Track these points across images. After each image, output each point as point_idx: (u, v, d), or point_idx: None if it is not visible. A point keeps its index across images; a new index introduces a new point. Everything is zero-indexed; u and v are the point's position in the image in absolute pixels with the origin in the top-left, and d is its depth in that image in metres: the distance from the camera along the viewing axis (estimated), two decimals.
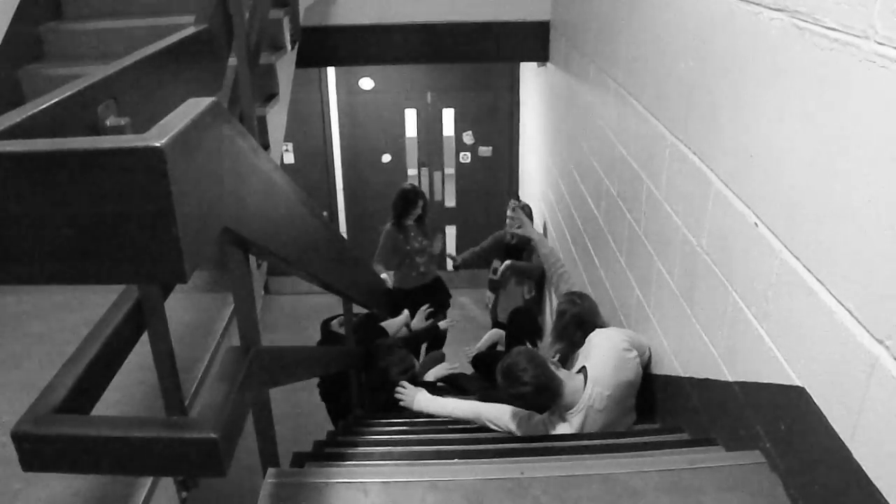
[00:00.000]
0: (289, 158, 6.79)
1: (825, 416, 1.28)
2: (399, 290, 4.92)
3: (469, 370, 3.88)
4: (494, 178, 7.07)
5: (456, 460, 1.80)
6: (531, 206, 4.98)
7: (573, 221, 3.85)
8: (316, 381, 3.28)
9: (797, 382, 1.39)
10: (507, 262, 4.78)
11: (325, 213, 4.50)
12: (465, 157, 7.03)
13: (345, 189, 7.16)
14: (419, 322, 3.91)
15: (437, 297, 4.87)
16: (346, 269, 2.52)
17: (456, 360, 4.16)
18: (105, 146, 0.70)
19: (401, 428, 2.79)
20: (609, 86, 2.87)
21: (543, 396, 2.19)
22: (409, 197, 4.78)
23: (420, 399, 2.64)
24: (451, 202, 7.15)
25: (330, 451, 2.09)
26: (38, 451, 0.95)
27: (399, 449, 2.16)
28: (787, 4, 1.36)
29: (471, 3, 4.29)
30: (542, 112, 5.29)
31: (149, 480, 1.37)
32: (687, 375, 2.05)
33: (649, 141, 2.33)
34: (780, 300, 1.45)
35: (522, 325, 4.19)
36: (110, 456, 0.96)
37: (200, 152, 0.79)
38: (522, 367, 2.16)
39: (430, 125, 6.96)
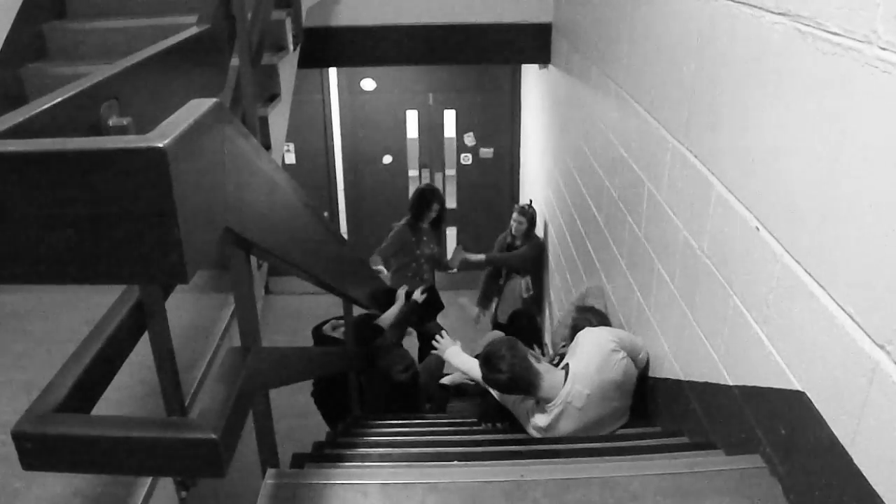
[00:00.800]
0: (290, 159, 6.80)
1: (825, 421, 1.28)
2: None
3: None
4: (495, 179, 7.07)
5: (455, 462, 1.80)
6: (534, 207, 4.98)
7: (574, 224, 3.85)
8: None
9: (797, 387, 1.39)
10: (486, 254, 4.89)
11: (325, 214, 4.51)
12: (467, 158, 7.04)
13: (346, 190, 7.16)
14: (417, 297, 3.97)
15: (433, 305, 4.75)
16: (346, 270, 2.53)
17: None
18: (107, 146, 0.70)
19: (400, 429, 2.79)
20: (610, 88, 2.87)
21: (518, 386, 2.26)
22: (426, 197, 4.59)
23: (452, 350, 2.82)
24: (451, 203, 7.15)
25: (329, 453, 2.10)
26: (38, 451, 0.95)
27: (398, 450, 2.16)
28: (790, 8, 1.36)
29: (473, 4, 4.30)
30: (544, 114, 5.29)
31: (148, 480, 1.37)
32: (687, 379, 2.05)
33: (650, 143, 2.33)
34: (781, 304, 1.45)
35: (522, 327, 4.20)
36: (110, 456, 0.96)
37: (202, 153, 0.79)
38: (500, 354, 2.25)
39: (431, 126, 6.96)
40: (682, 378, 2.08)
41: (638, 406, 2.46)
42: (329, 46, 4.34)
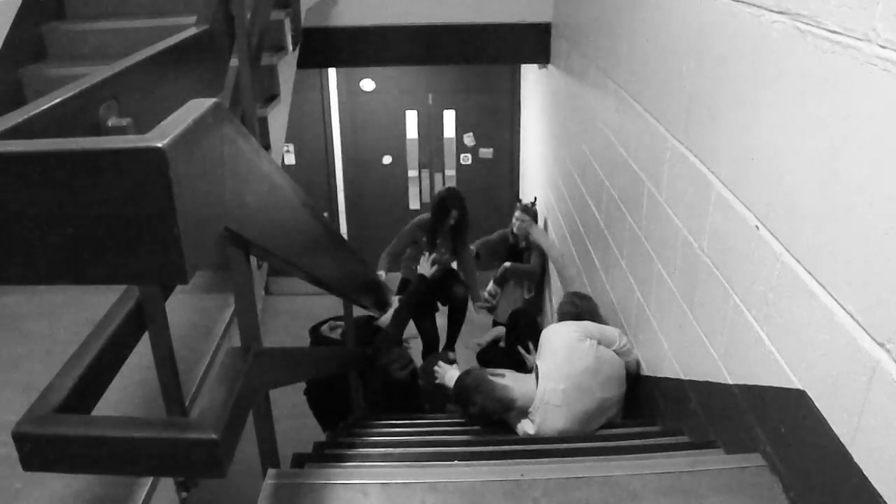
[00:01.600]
0: (290, 159, 6.80)
1: (826, 420, 1.28)
2: (405, 282, 4.57)
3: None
4: (495, 179, 7.07)
5: (455, 462, 1.80)
6: (536, 207, 4.98)
7: (574, 223, 3.85)
8: None
9: (798, 385, 1.39)
10: (507, 264, 4.78)
11: (325, 214, 4.49)
12: (466, 158, 7.04)
13: (345, 190, 7.16)
14: (425, 268, 3.94)
15: (444, 290, 4.55)
16: (346, 271, 2.52)
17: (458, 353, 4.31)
18: (107, 147, 0.70)
19: (401, 429, 2.79)
20: (610, 87, 2.87)
21: (493, 411, 2.32)
22: (444, 203, 4.31)
23: (450, 375, 2.87)
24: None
25: (330, 453, 2.09)
26: (38, 451, 0.95)
27: (399, 450, 2.16)
28: (789, 7, 1.37)
29: (472, 4, 4.30)
30: (543, 114, 5.29)
31: (149, 481, 1.37)
32: (687, 378, 2.05)
33: (650, 143, 2.33)
34: (781, 303, 1.45)
35: (521, 326, 4.20)
36: (111, 456, 0.96)
37: (202, 153, 0.79)
38: (465, 388, 2.35)
39: (430, 127, 6.96)
40: (683, 377, 2.08)
41: (637, 404, 2.46)
42: (328, 47, 4.34)
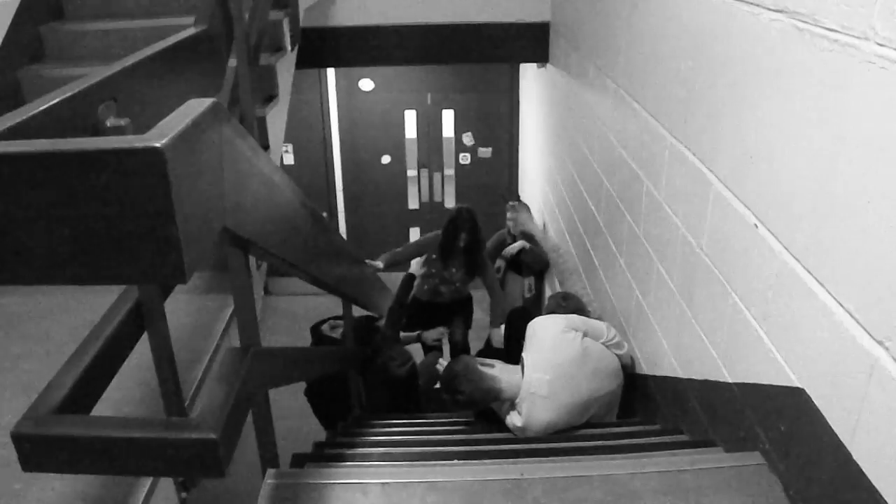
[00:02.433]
0: (289, 159, 6.79)
1: (825, 418, 1.28)
2: (414, 299, 4.38)
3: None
4: (494, 179, 7.07)
5: (455, 461, 1.80)
6: (530, 205, 4.98)
7: (573, 222, 3.85)
8: None
9: (797, 384, 1.39)
10: (524, 243, 4.74)
11: (324, 214, 4.48)
12: (465, 158, 7.04)
13: (344, 190, 7.16)
14: (415, 268, 3.95)
15: (456, 314, 4.43)
16: (345, 271, 2.52)
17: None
18: (105, 147, 0.70)
19: (400, 429, 2.79)
20: (608, 87, 2.87)
21: (482, 398, 2.35)
22: (454, 223, 4.06)
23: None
24: (450, 203, 7.15)
25: (329, 452, 2.09)
26: (38, 452, 0.95)
27: (398, 450, 2.16)
28: (788, 5, 1.37)
29: (471, 4, 4.29)
30: (542, 113, 5.29)
31: (148, 481, 1.37)
32: (686, 376, 2.05)
33: (649, 142, 2.33)
34: (780, 301, 1.45)
35: (520, 325, 4.19)
36: (110, 456, 0.96)
37: (200, 153, 0.79)
38: (454, 375, 2.36)
39: (429, 126, 6.96)
40: (682, 376, 2.08)
41: (637, 403, 2.46)
42: (327, 47, 4.34)
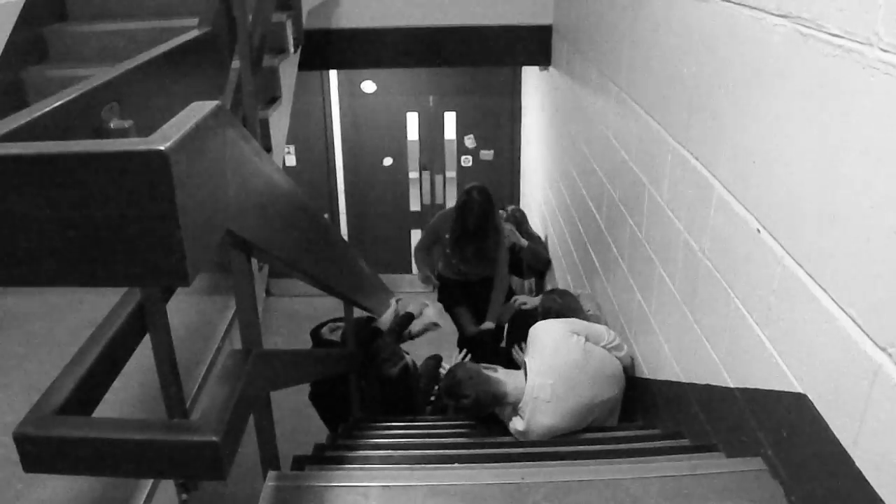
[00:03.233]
0: (291, 161, 6.80)
1: (827, 424, 1.28)
2: (442, 277, 4.22)
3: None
4: (496, 181, 7.06)
5: (456, 465, 1.80)
6: (528, 209, 4.96)
7: (575, 226, 3.85)
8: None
9: (799, 389, 1.38)
10: (524, 242, 4.66)
11: (326, 216, 4.46)
12: (467, 160, 7.04)
13: (346, 192, 7.16)
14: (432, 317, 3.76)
15: (483, 298, 4.09)
16: (347, 272, 2.52)
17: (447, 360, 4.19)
18: (109, 149, 0.70)
19: (401, 432, 2.79)
20: (611, 90, 2.87)
21: (487, 403, 2.35)
22: (461, 210, 3.78)
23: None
24: (452, 205, 7.16)
25: (330, 455, 2.09)
26: (39, 453, 0.95)
27: (399, 453, 2.16)
28: (791, 10, 1.37)
29: (473, 6, 4.30)
30: (544, 116, 5.29)
31: (149, 483, 1.37)
32: (688, 381, 2.04)
33: (651, 145, 2.33)
34: (782, 306, 1.44)
35: (521, 326, 4.19)
36: (111, 458, 0.96)
37: (204, 155, 0.79)
38: (459, 381, 2.35)
39: (431, 128, 6.96)
40: (683, 380, 2.08)
41: (637, 407, 2.46)
42: (330, 49, 4.35)
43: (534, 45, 4.47)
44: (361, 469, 1.83)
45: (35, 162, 0.69)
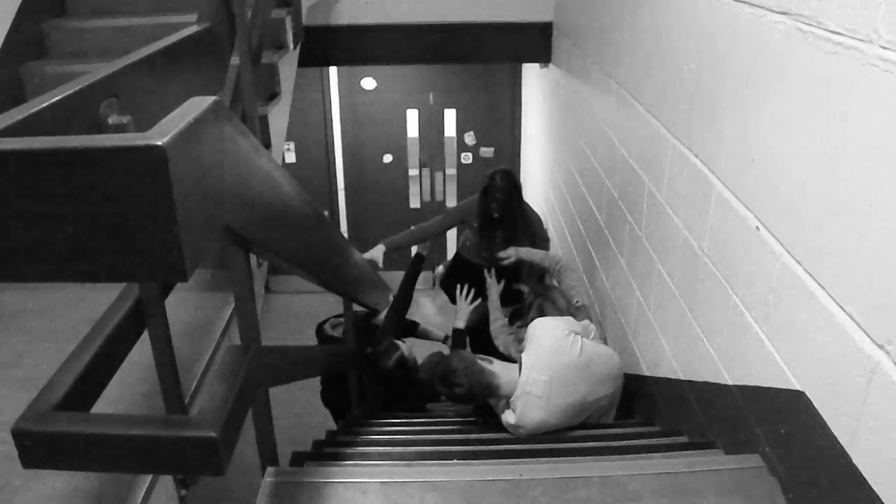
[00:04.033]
0: (290, 158, 6.79)
1: (825, 421, 1.28)
2: (458, 258, 3.98)
3: None
4: None
5: (455, 461, 1.80)
6: (531, 205, 4.95)
7: (574, 223, 3.85)
8: (315, 380, 3.28)
9: (797, 386, 1.39)
10: (520, 250, 4.52)
11: (326, 213, 4.45)
12: (467, 157, 7.03)
13: (346, 189, 7.16)
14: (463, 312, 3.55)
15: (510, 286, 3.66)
16: (347, 269, 2.52)
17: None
18: (107, 144, 0.70)
19: (400, 428, 2.79)
20: (611, 87, 2.87)
21: (479, 393, 2.35)
22: (484, 194, 3.53)
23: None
24: (452, 203, 7.15)
25: (329, 451, 2.10)
26: (38, 449, 0.95)
27: (398, 449, 2.16)
28: (791, 7, 1.36)
29: (473, 4, 4.29)
30: (544, 113, 5.29)
31: (148, 478, 1.37)
32: (687, 378, 2.05)
33: (651, 143, 2.33)
34: (781, 304, 1.45)
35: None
36: (110, 453, 0.97)
37: (202, 151, 0.79)
38: (453, 369, 2.34)
39: (431, 125, 6.95)
40: (682, 377, 2.08)
41: (636, 404, 2.46)
42: (329, 45, 4.34)
43: (534, 42, 4.47)
44: (360, 465, 1.83)
45: (33, 157, 0.69)
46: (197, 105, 0.80)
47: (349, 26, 4.32)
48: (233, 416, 1.02)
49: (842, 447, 1.22)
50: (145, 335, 1.26)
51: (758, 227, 1.54)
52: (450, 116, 6.92)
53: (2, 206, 0.70)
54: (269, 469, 1.51)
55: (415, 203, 7.23)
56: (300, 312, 6.24)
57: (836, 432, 1.24)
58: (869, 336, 1.13)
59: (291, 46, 3.08)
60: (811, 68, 1.30)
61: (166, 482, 1.44)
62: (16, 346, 1.81)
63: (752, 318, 1.58)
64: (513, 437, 2.33)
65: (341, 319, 3.22)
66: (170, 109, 0.78)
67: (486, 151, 7.00)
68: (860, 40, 1.14)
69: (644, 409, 2.49)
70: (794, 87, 1.37)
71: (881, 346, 1.10)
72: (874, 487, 1.13)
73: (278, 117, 2.83)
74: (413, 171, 7.11)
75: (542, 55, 4.53)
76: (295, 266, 1.57)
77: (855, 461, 1.18)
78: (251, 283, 1.29)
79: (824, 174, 1.27)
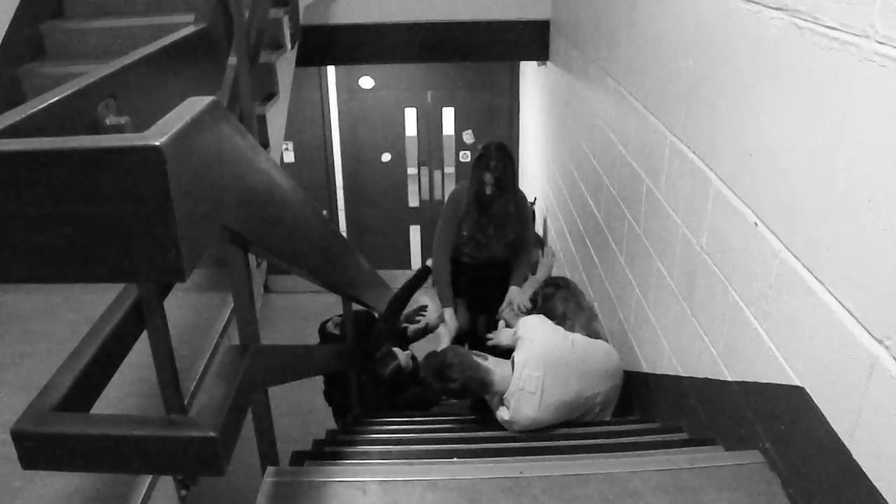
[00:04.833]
0: (289, 157, 6.79)
1: (824, 416, 1.28)
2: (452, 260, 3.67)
3: None
4: None
5: (455, 459, 1.80)
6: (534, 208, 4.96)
7: (573, 221, 3.85)
8: (315, 379, 3.28)
9: (796, 382, 1.39)
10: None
11: (324, 212, 4.45)
12: (465, 156, 7.03)
13: (345, 188, 7.16)
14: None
15: (491, 288, 3.54)
16: (345, 268, 2.52)
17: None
18: (104, 145, 0.70)
19: (400, 427, 2.80)
20: (609, 85, 2.87)
21: (474, 388, 2.37)
22: (473, 174, 3.29)
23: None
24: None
25: (329, 450, 2.10)
26: (37, 450, 0.95)
27: (398, 448, 2.16)
28: (787, 3, 1.36)
29: (471, 1, 4.29)
30: (543, 111, 5.29)
31: (148, 479, 1.37)
32: (686, 375, 2.05)
33: (649, 140, 2.33)
34: (780, 300, 1.45)
35: None
36: (110, 454, 0.97)
37: (200, 151, 0.79)
38: (448, 363, 2.37)
39: (430, 124, 6.96)
40: (682, 373, 2.08)
41: (635, 401, 2.46)
42: (327, 44, 4.34)
43: (531, 39, 4.47)
44: (360, 464, 1.83)
45: (31, 158, 0.69)
46: (194, 105, 0.80)
47: (346, 25, 4.32)
48: (232, 416, 1.02)
49: (842, 442, 1.22)
50: (144, 335, 1.26)
51: (756, 223, 1.54)
52: (448, 115, 6.92)
53: (0, 208, 0.70)
54: (270, 469, 1.51)
55: (413, 202, 7.23)
56: (300, 312, 6.24)
57: (835, 427, 1.25)
58: (868, 331, 1.14)
59: (289, 46, 3.08)
60: (808, 64, 1.30)
61: (166, 483, 1.44)
62: (15, 347, 1.81)
63: (752, 314, 1.58)
64: (513, 435, 2.33)
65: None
66: (167, 110, 0.78)
67: None
68: (857, 35, 1.14)
69: (644, 406, 2.49)
70: (791, 82, 1.37)
71: (880, 341, 1.10)
72: (874, 482, 1.13)
73: (276, 117, 2.83)
74: (412, 170, 7.11)
75: (540, 53, 4.53)
76: (294, 265, 1.57)
77: (855, 456, 1.18)
78: (250, 282, 1.29)
79: (822, 169, 1.27)
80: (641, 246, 2.45)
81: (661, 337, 2.27)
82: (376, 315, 3.58)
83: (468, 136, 6.97)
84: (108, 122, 1.04)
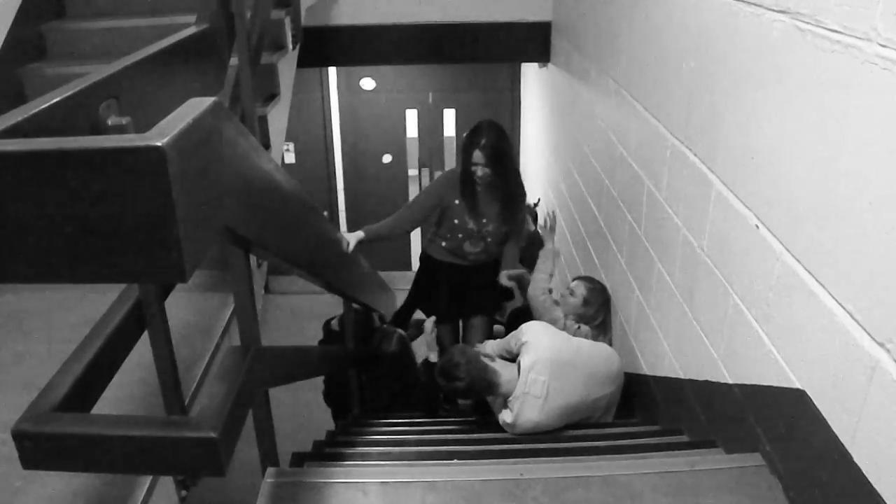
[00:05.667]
0: (290, 158, 6.80)
1: (825, 419, 1.28)
2: (426, 256, 3.44)
3: None
4: None
5: (455, 461, 1.80)
6: (530, 205, 4.95)
7: (574, 222, 3.85)
8: (315, 380, 3.28)
9: (797, 385, 1.39)
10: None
11: (325, 213, 4.45)
12: None
13: (345, 189, 7.16)
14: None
15: (479, 288, 3.33)
16: (346, 269, 2.53)
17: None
18: (106, 145, 0.70)
19: (400, 428, 2.80)
20: (610, 86, 2.87)
21: (479, 388, 2.37)
22: (463, 153, 2.98)
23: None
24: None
25: (329, 451, 2.10)
26: (38, 450, 0.95)
27: (398, 449, 2.16)
28: (790, 6, 1.36)
29: (472, 3, 4.29)
30: (544, 113, 5.29)
31: (148, 479, 1.37)
32: (687, 377, 2.05)
33: (650, 142, 2.33)
34: (781, 302, 1.45)
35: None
36: (110, 454, 0.96)
37: (201, 152, 0.79)
38: (455, 362, 2.36)
39: (431, 125, 6.96)
40: (682, 376, 2.08)
41: (636, 404, 2.46)
42: (328, 46, 4.34)
43: (533, 41, 4.47)
44: (360, 465, 1.83)
45: (32, 159, 0.69)
46: (196, 106, 0.80)
47: (348, 27, 4.32)
48: (233, 417, 1.02)
49: (842, 445, 1.22)
50: (145, 336, 1.26)
51: (757, 226, 1.54)
52: (449, 116, 6.93)
53: (1, 208, 0.70)
54: (270, 469, 1.51)
55: None
56: (300, 312, 6.23)
57: (836, 431, 1.24)
58: (869, 334, 1.13)
59: (290, 47, 3.08)
60: (810, 66, 1.30)
61: (166, 483, 1.44)
62: (16, 347, 1.81)
63: (753, 317, 1.58)
64: (513, 436, 2.33)
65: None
66: (169, 110, 0.78)
67: None
68: (859, 38, 1.14)
69: (644, 409, 2.49)
70: (793, 85, 1.37)
71: (881, 345, 1.10)
72: (875, 486, 1.13)
73: (277, 118, 2.83)
74: (412, 171, 7.11)
75: (541, 55, 4.53)
76: (294, 266, 1.57)
77: (856, 459, 1.18)
78: (251, 283, 1.29)
79: (824, 172, 1.27)
80: (642, 248, 2.44)
81: (662, 339, 2.27)
82: (376, 316, 3.59)
83: None
84: (109, 122, 1.04)
